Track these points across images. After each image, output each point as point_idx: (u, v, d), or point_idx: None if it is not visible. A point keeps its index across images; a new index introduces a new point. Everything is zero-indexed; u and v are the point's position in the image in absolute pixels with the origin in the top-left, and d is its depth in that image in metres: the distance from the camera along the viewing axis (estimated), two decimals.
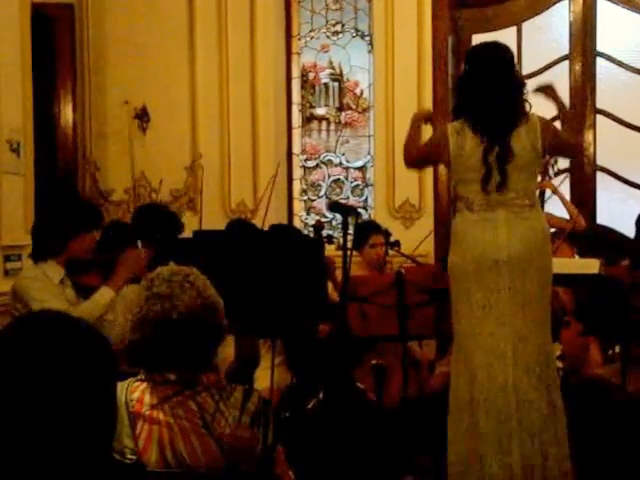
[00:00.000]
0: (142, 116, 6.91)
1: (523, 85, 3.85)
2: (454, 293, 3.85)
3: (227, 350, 4.24)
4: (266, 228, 5.34)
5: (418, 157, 4.10)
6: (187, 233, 4.81)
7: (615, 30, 6.48)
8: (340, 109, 6.98)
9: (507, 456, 3.65)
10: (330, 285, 5.14)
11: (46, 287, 3.94)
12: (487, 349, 3.72)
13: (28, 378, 1.56)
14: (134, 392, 2.40)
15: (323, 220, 7.00)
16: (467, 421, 3.76)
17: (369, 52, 6.86)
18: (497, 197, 3.76)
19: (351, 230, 4.16)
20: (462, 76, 3.96)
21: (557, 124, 4.08)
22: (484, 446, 3.68)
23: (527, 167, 3.80)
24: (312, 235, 6.55)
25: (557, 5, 6.51)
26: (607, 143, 6.56)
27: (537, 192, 4.04)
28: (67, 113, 6.82)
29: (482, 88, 3.77)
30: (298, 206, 7.15)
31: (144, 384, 2.42)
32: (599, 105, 6.53)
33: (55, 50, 6.72)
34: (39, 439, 1.56)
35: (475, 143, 3.77)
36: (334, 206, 5.75)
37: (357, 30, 6.92)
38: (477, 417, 3.70)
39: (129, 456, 2.33)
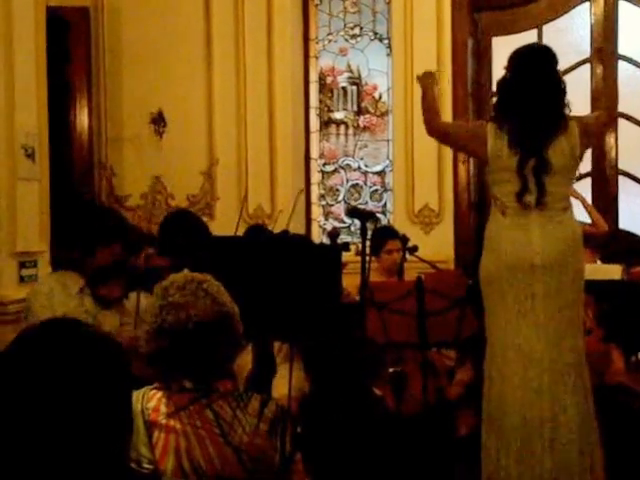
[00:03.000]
0: (158, 121, 6.90)
1: (564, 89, 3.79)
2: (487, 298, 3.81)
3: (246, 357, 4.21)
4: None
5: (445, 131, 4.09)
6: None
7: (637, 32, 6.42)
8: (358, 113, 6.95)
9: (539, 464, 3.60)
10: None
11: (51, 305, 3.90)
12: (522, 354, 3.69)
13: (43, 386, 1.56)
14: (150, 401, 2.39)
15: (341, 226, 6.97)
16: (499, 427, 3.71)
17: (388, 55, 6.82)
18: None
19: (369, 236, 4.13)
20: (504, 79, 3.88)
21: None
22: (512, 454, 3.64)
23: (564, 173, 3.78)
24: (328, 242, 6.51)
25: (578, 7, 6.47)
26: (629, 147, 6.53)
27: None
28: (82, 118, 6.79)
29: (524, 94, 3.72)
30: (316, 211, 7.11)
31: (160, 392, 2.41)
32: (621, 109, 6.47)
33: (70, 54, 6.69)
34: (55, 449, 1.55)
35: (511, 152, 3.72)
36: (353, 211, 5.70)
37: (375, 33, 6.88)
38: (510, 423, 3.66)
39: (146, 465, 2.32)
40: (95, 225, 4.18)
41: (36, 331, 1.68)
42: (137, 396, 2.35)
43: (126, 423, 1.70)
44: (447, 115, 6.42)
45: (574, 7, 6.48)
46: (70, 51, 6.69)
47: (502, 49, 6.57)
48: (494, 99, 4.00)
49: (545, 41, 6.41)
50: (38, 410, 1.55)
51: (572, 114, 3.81)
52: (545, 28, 6.50)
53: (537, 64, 3.78)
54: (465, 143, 4.02)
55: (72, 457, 1.56)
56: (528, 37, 6.35)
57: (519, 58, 3.84)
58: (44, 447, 1.55)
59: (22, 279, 5.12)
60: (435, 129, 4.00)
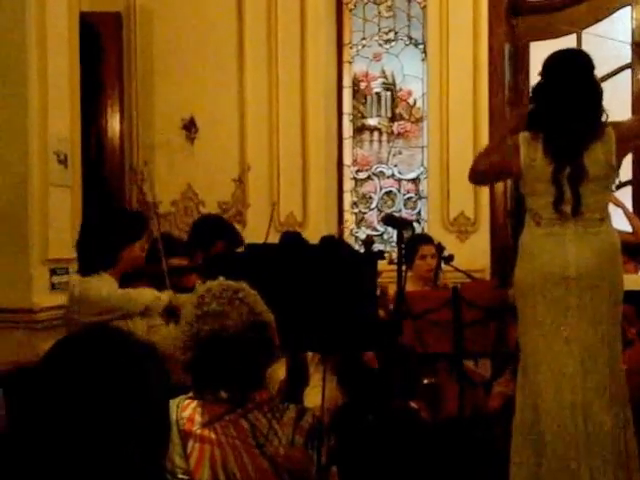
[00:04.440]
0: (190, 127, 6.87)
1: (601, 95, 3.68)
2: (520, 309, 3.72)
3: (278, 367, 4.15)
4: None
5: (489, 168, 3.92)
6: None
7: None
8: (392, 119, 6.89)
9: None
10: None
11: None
12: (554, 368, 3.60)
13: (82, 395, 1.55)
14: (185, 410, 2.39)
15: (374, 234, 6.89)
16: (532, 444, 3.61)
17: (423, 60, 6.77)
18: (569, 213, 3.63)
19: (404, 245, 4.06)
20: (538, 85, 3.79)
21: None
22: (550, 471, 3.54)
23: (600, 182, 3.67)
24: (362, 250, 6.44)
25: (619, 12, 6.37)
26: None
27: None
28: (114, 124, 6.79)
29: (559, 101, 3.63)
30: (349, 219, 7.05)
31: (195, 402, 2.41)
32: None
33: (102, 60, 6.70)
34: (91, 457, 1.54)
35: (546, 161, 3.62)
36: (388, 219, 5.60)
37: (410, 38, 6.83)
38: (543, 440, 3.56)
39: (180, 476, 2.32)
40: (126, 219, 4.21)
41: (81, 337, 1.68)
42: (172, 405, 2.33)
43: (163, 433, 1.68)
44: (483, 122, 6.35)
45: (615, 11, 6.38)
46: (102, 57, 6.70)
47: (540, 54, 6.46)
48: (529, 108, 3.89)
49: (585, 46, 6.33)
50: (77, 418, 1.54)
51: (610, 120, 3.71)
52: (585, 33, 6.40)
53: (571, 69, 3.69)
54: (499, 165, 3.86)
55: (108, 468, 1.55)
56: (567, 42, 6.27)
57: (553, 63, 3.75)
58: (80, 456, 1.54)
59: (53, 286, 5.08)
60: (476, 173, 3.97)
